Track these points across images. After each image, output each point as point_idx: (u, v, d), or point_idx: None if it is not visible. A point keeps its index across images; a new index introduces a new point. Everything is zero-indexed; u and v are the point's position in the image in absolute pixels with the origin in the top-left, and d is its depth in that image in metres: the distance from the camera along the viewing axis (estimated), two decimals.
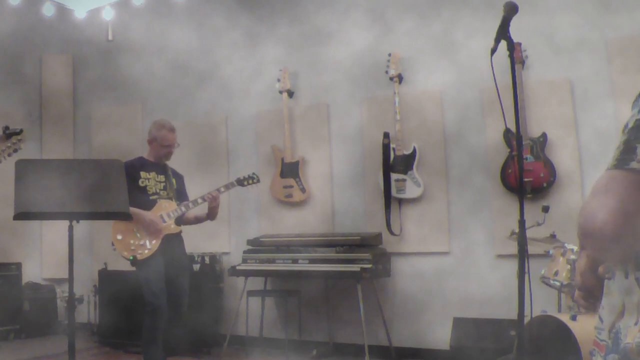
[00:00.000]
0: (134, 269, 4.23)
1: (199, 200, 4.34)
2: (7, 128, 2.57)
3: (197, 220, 4.51)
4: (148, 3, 6.57)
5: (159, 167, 4.41)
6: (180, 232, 4.37)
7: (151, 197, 4.27)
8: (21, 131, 2.58)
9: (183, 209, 4.32)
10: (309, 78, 5.78)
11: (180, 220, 4.38)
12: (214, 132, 6.20)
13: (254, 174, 4.64)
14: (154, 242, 4.18)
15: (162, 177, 4.38)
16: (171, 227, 4.28)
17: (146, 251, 4.15)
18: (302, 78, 5.81)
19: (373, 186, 5.35)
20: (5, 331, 6.04)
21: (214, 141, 6.18)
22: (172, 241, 4.29)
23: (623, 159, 1.11)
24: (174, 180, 4.44)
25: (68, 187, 3.12)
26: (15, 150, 2.63)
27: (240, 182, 4.54)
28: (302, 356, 5.15)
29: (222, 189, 4.42)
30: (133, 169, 4.24)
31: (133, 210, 4.07)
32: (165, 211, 4.26)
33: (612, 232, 1.07)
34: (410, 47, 5.28)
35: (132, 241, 4.15)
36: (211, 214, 4.41)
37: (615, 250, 1.13)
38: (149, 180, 4.31)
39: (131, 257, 4.11)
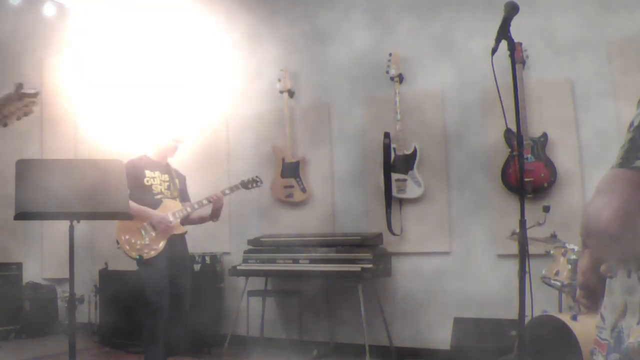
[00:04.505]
0: (134, 269, 4.22)
1: (204, 202, 4.32)
2: (21, 86, 2.27)
3: (201, 220, 4.51)
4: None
5: (163, 166, 4.39)
6: (185, 232, 4.38)
7: (156, 197, 4.25)
8: (36, 94, 2.26)
9: (188, 209, 4.31)
10: (309, 78, 5.78)
11: (185, 221, 4.37)
12: (214, 132, 6.20)
13: (257, 177, 4.63)
14: (161, 243, 4.16)
15: (166, 177, 4.36)
16: (177, 227, 4.27)
17: (153, 251, 4.13)
18: (302, 78, 5.81)
19: (374, 186, 5.35)
20: (6, 331, 6.04)
21: (214, 141, 6.17)
22: (176, 242, 4.27)
23: (628, 157, 1.11)
24: (177, 181, 4.42)
25: (68, 187, 3.11)
26: (26, 114, 2.31)
27: (245, 185, 4.54)
28: (303, 356, 5.15)
29: (227, 191, 4.41)
30: (137, 167, 4.23)
31: (141, 208, 4.08)
32: (170, 211, 4.24)
33: (616, 231, 1.06)
34: (410, 47, 5.28)
35: (138, 241, 4.12)
36: (214, 215, 4.42)
37: (618, 249, 1.12)
38: (154, 179, 4.29)
39: (137, 257, 4.08)
